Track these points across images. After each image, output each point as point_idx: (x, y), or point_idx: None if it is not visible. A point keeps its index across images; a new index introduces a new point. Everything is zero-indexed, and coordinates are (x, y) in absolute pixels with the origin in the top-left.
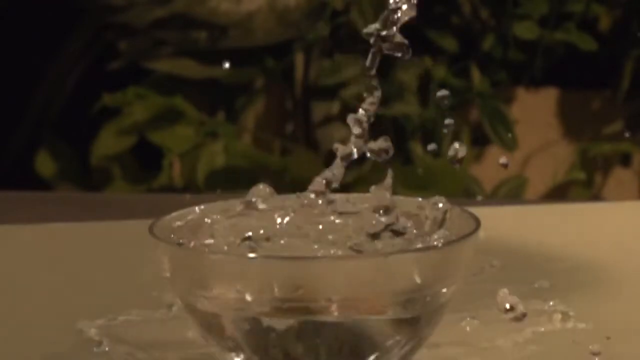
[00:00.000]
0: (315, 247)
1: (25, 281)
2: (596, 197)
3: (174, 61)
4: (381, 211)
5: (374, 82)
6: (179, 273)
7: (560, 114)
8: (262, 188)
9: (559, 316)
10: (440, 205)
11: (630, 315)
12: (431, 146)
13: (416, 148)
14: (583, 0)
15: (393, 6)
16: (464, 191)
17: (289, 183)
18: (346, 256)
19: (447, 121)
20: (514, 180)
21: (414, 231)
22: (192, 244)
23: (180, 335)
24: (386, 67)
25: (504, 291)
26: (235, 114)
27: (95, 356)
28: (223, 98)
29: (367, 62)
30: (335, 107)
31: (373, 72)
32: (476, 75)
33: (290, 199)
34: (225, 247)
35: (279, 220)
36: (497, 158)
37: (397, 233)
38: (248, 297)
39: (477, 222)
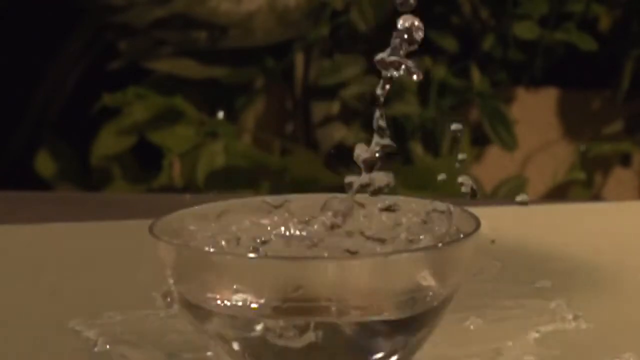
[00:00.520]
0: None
1: (25, 281)
2: (596, 197)
3: (174, 61)
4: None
5: (382, 123)
6: (178, 273)
7: (560, 114)
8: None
9: (560, 316)
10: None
11: (631, 315)
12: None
13: (416, 148)
14: (583, 0)
15: (401, 29)
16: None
17: (289, 183)
18: (346, 256)
19: (455, 126)
20: (514, 180)
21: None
22: (192, 244)
23: (180, 336)
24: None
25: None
26: (235, 114)
27: (94, 356)
28: (223, 98)
29: (378, 89)
30: (335, 107)
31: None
32: (476, 75)
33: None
34: (226, 247)
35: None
36: (497, 158)
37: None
38: (248, 297)
39: (477, 222)
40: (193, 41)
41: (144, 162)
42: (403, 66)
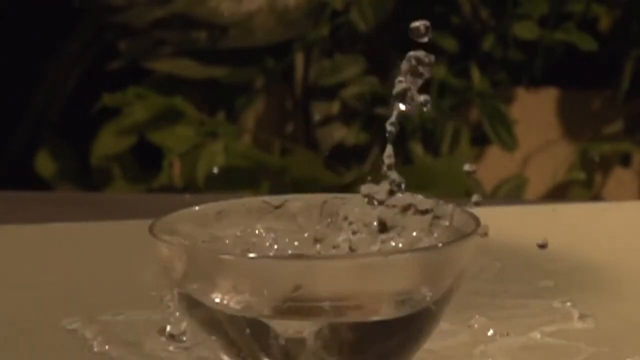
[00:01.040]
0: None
1: (25, 281)
2: (596, 197)
3: (174, 61)
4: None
5: (394, 176)
6: (177, 273)
7: (560, 114)
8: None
9: (564, 315)
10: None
11: (631, 315)
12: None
13: (416, 148)
14: (583, 0)
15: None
16: (464, 191)
17: (289, 183)
18: (346, 256)
19: (467, 167)
20: (514, 180)
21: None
22: (191, 244)
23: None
24: (386, 67)
25: None
26: (235, 114)
27: (93, 356)
28: (223, 98)
29: (388, 125)
30: (335, 107)
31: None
32: (476, 75)
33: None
34: (226, 247)
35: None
36: (497, 158)
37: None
38: (248, 297)
39: (477, 222)
40: (193, 41)
41: (144, 162)
42: (413, 100)
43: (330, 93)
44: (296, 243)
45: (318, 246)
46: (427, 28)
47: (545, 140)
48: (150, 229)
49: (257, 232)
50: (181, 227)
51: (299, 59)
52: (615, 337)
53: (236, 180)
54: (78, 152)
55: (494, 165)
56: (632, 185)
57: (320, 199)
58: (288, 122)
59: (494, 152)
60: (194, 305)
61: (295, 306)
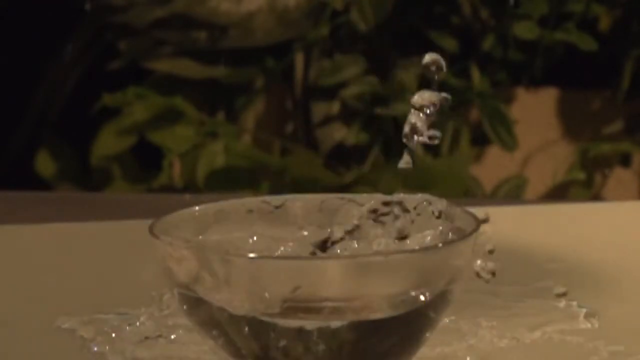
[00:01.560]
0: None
1: (25, 281)
2: (596, 197)
3: (174, 61)
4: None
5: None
6: (177, 273)
7: (560, 114)
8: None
9: (567, 315)
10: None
11: (632, 315)
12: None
13: (416, 148)
14: (583, 0)
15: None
16: (464, 191)
17: (289, 183)
18: (346, 256)
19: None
20: (514, 180)
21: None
22: (191, 244)
23: (179, 336)
24: (386, 67)
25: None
26: (235, 114)
27: (93, 356)
28: (223, 98)
29: (401, 165)
30: (335, 107)
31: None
32: (476, 75)
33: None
34: (225, 247)
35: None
36: (497, 158)
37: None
38: (248, 297)
39: (477, 222)
40: (193, 41)
41: (144, 162)
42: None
43: (330, 93)
44: (296, 243)
45: (318, 246)
46: (440, 65)
47: (545, 140)
48: (150, 229)
49: (256, 232)
50: (181, 227)
51: (299, 59)
52: (614, 336)
53: (236, 180)
54: (78, 152)
55: (494, 165)
56: (632, 185)
57: (320, 199)
58: (288, 122)
59: (494, 152)
60: (194, 305)
61: (295, 306)
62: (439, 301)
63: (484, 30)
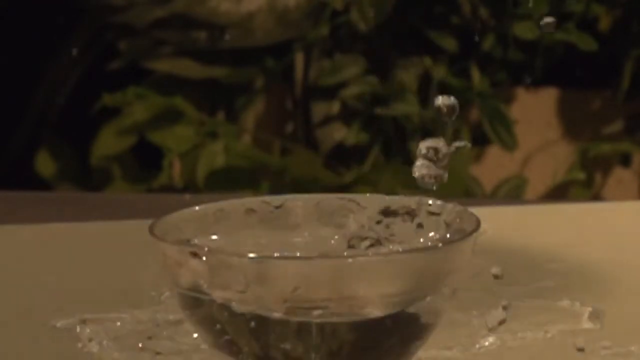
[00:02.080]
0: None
1: (25, 281)
2: (596, 197)
3: (174, 61)
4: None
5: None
6: (178, 273)
7: (560, 114)
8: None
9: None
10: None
11: (631, 314)
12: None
13: (416, 148)
14: (583, 0)
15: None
16: (464, 191)
17: (289, 183)
18: (346, 256)
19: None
20: (514, 180)
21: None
22: (191, 243)
23: (179, 336)
24: (386, 67)
25: None
26: (235, 114)
27: (93, 356)
28: (223, 98)
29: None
30: (335, 107)
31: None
32: (476, 75)
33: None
34: (225, 247)
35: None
36: (497, 158)
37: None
38: (248, 297)
39: (477, 222)
40: (193, 41)
41: (144, 162)
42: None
43: (330, 93)
44: (296, 243)
45: (318, 246)
46: (453, 108)
47: (545, 140)
48: (150, 229)
49: (256, 232)
50: (181, 227)
51: (299, 59)
52: (614, 336)
53: (236, 180)
54: (78, 152)
55: (494, 165)
56: (632, 185)
57: (320, 199)
58: (288, 122)
59: (494, 152)
60: (194, 305)
61: (295, 306)
62: (439, 301)
63: (484, 30)
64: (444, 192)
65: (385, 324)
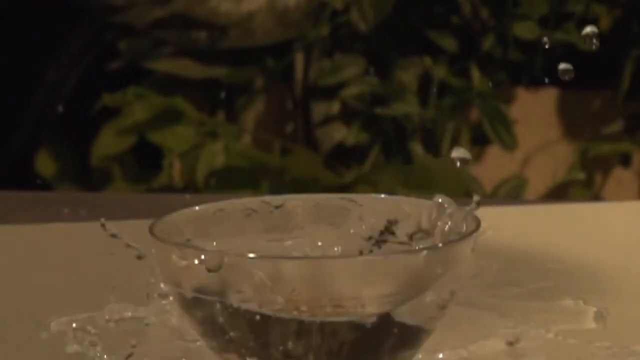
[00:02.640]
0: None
1: (25, 281)
2: (596, 197)
3: (174, 61)
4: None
5: None
6: (178, 273)
7: (560, 114)
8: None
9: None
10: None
11: (632, 314)
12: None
13: (416, 148)
14: (583, 0)
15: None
16: (464, 191)
17: (289, 183)
18: (346, 256)
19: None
20: (514, 180)
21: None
22: (191, 244)
23: (179, 335)
24: (386, 67)
25: None
26: (235, 114)
27: (93, 355)
28: (223, 98)
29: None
30: (335, 107)
31: None
32: (476, 75)
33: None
34: (225, 247)
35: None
36: (497, 158)
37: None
38: (248, 297)
39: (477, 222)
40: (193, 41)
41: (144, 162)
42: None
43: (330, 93)
44: (296, 243)
45: (318, 246)
46: (466, 160)
47: (545, 140)
48: (150, 229)
49: (256, 232)
50: (181, 227)
51: (299, 59)
52: (617, 336)
53: (236, 180)
54: (78, 152)
55: (494, 165)
56: (632, 185)
57: (320, 199)
58: (288, 122)
59: (494, 152)
60: (194, 305)
61: (295, 306)
62: (438, 301)
63: (484, 30)
64: (444, 192)
65: (385, 324)
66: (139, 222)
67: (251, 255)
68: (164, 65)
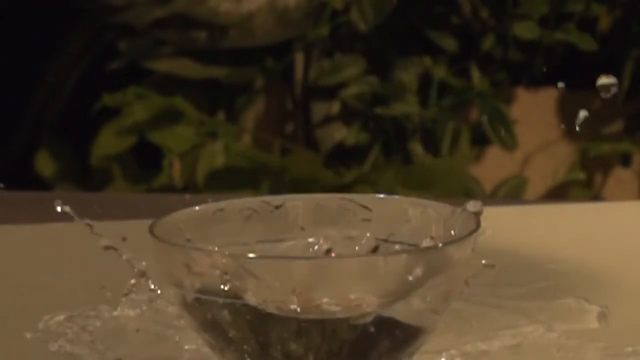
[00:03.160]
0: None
1: (25, 281)
2: (596, 197)
3: (174, 61)
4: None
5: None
6: (178, 273)
7: (560, 114)
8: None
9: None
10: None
11: (632, 314)
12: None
13: (416, 148)
14: (583, 0)
15: None
16: (464, 191)
17: (289, 183)
18: (346, 256)
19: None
20: (514, 180)
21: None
22: (191, 244)
23: (179, 335)
24: (386, 67)
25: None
26: (235, 114)
27: (93, 355)
28: (223, 98)
29: None
30: (335, 107)
31: None
32: (476, 75)
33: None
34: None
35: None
36: (497, 158)
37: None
38: (248, 297)
39: (477, 222)
40: (193, 41)
41: (144, 162)
42: None
43: (330, 93)
44: (296, 243)
45: (318, 246)
46: (479, 212)
47: (545, 140)
48: (150, 229)
49: (256, 232)
50: (181, 227)
51: (299, 59)
52: (617, 336)
53: (236, 180)
54: (78, 152)
55: (494, 165)
56: (632, 185)
57: (320, 199)
58: (288, 122)
59: (494, 152)
60: (194, 305)
61: (296, 306)
62: (438, 301)
63: (484, 30)
64: (444, 192)
65: (385, 324)
66: (139, 222)
67: (251, 255)
68: (164, 65)
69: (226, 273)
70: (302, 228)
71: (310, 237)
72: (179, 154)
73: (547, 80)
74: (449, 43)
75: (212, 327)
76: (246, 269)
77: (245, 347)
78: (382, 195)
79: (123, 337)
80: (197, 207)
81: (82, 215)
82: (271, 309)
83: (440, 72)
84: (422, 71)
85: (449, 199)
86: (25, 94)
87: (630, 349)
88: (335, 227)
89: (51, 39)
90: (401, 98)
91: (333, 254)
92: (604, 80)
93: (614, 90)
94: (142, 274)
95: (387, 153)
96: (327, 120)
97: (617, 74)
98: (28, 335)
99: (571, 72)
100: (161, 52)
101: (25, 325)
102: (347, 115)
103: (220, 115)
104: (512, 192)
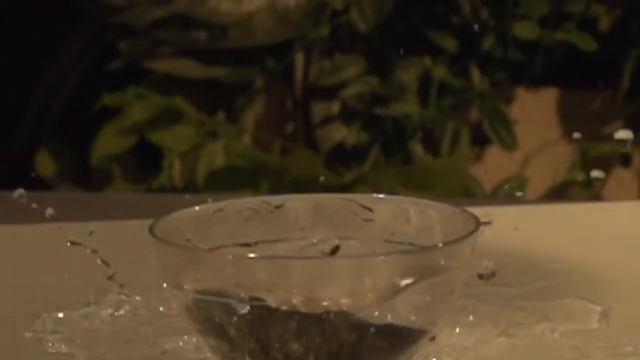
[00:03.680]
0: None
1: (25, 281)
2: (596, 197)
3: (174, 61)
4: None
5: None
6: (178, 273)
7: (560, 114)
8: None
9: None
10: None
11: (632, 314)
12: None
13: (416, 148)
14: (583, 0)
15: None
16: (464, 191)
17: (289, 183)
18: (346, 256)
19: None
20: (514, 180)
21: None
22: (191, 244)
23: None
24: (386, 67)
25: None
26: (235, 114)
27: (91, 356)
28: (223, 98)
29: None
30: (335, 107)
31: None
32: (476, 75)
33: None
34: (225, 247)
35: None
36: (497, 158)
37: None
38: (248, 297)
39: (477, 222)
40: (193, 41)
41: (144, 162)
42: None
43: (330, 93)
44: (296, 243)
45: (318, 246)
46: (493, 274)
47: (545, 140)
48: (150, 229)
49: (256, 232)
50: (181, 227)
51: (299, 59)
52: (617, 336)
53: (236, 180)
54: (78, 152)
55: (494, 165)
56: (632, 185)
57: (320, 199)
58: (288, 122)
59: (494, 152)
60: (194, 306)
61: (296, 306)
62: (438, 301)
63: (484, 30)
64: (444, 192)
65: (385, 324)
66: (139, 222)
67: (251, 255)
68: (164, 65)
69: (226, 273)
70: (302, 228)
71: (310, 237)
72: (179, 154)
73: (547, 80)
74: (449, 43)
75: (212, 328)
76: (246, 269)
77: (245, 347)
78: (382, 195)
79: (121, 337)
80: (197, 207)
81: (83, 215)
82: (270, 309)
83: (440, 72)
84: (422, 71)
85: (449, 199)
86: (25, 94)
87: (630, 348)
88: (335, 227)
89: (51, 39)
90: (401, 98)
91: (333, 254)
92: (620, 134)
93: (629, 144)
94: (111, 278)
95: (387, 153)
96: (327, 120)
97: (617, 74)
98: (26, 335)
99: (571, 72)
100: (161, 52)
101: (23, 326)
102: (347, 115)
103: (220, 115)
104: (512, 192)
